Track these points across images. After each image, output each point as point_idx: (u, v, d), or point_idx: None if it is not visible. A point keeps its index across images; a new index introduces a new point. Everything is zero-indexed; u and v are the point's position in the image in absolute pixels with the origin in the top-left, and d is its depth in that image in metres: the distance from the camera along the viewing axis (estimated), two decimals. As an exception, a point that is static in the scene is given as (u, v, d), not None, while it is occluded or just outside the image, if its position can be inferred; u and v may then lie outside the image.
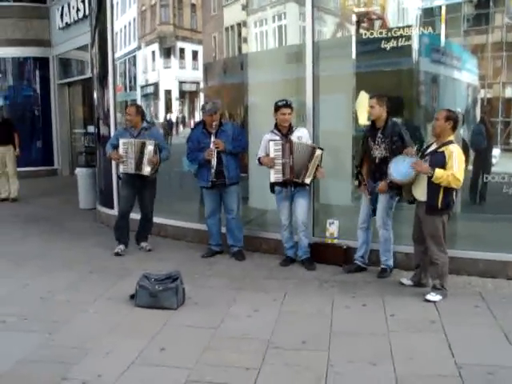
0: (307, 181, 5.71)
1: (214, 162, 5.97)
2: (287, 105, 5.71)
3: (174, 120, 8.40)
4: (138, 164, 6.27)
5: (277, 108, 5.72)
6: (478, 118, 6.08)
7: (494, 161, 5.90)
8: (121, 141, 6.35)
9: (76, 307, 4.77)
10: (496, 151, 5.91)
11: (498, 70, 5.94)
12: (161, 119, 8.52)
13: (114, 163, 7.53)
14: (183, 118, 8.42)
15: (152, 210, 6.67)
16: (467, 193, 5.78)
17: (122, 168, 6.41)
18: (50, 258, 6.46)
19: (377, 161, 5.30)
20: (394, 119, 5.36)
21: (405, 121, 5.92)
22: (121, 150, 6.31)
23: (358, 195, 6.13)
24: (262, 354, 3.79)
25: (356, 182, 5.74)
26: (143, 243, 6.74)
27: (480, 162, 5.97)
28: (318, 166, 5.68)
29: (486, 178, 5.74)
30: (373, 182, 5.39)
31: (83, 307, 4.77)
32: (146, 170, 6.28)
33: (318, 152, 5.66)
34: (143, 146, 6.26)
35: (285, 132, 5.76)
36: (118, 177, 7.06)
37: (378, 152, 5.29)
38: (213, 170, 5.99)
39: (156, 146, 6.29)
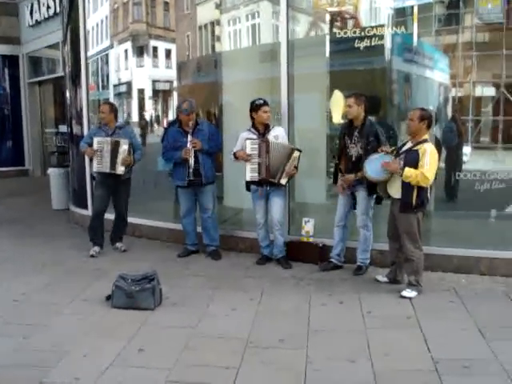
0: (283, 182, 5.72)
1: (191, 161, 5.95)
2: (267, 103, 5.74)
3: (147, 119, 8.34)
4: (112, 163, 6.21)
5: (257, 107, 5.71)
6: (450, 116, 6.17)
7: (465, 158, 6.01)
8: (95, 139, 6.26)
9: (51, 309, 4.70)
10: (467, 149, 6.02)
11: (468, 69, 6.04)
12: (134, 118, 8.45)
13: (87, 163, 7.45)
14: (157, 117, 8.36)
15: (127, 209, 6.61)
16: (440, 190, 5.88)
17: (95, 167, 6.32)
18: (23, 260, 6.36)
19: (353, 159, 5.35)
20: (372, 119, 5.40)
21: (378, 119, 5.97)
22: (95, 149, 6.23)
23: (332, 193, 6.18)
24: (241, 353, 3.79)
25: (332, 179, 5.76)
26: (118, 244, 6.68)
27: (451, 160, 6.07)
28: (294, 166, 5.70)
29: (458, 175, 5.84)
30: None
31: (59, 309, 4.70)
32: (120, 169, 6.22)
33: (296, 154, 5.67)
34: (117, 144, 6.20)
35: (262, 131, 5.77)
36: (92, 176, 6.95)
37: (355, 150, 5.34)
38: (190, 170, 5.98)
39: (130, 146, 6.24)
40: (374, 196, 5.32)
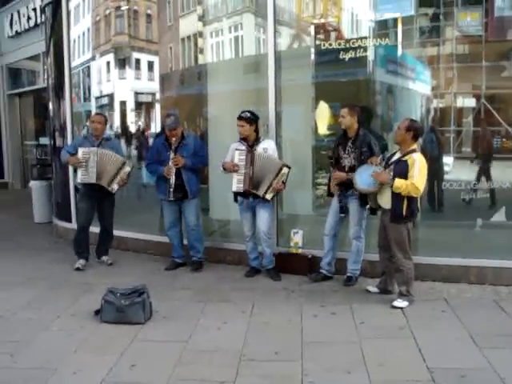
0: (268, 197, 5.68)
1: (172, 180, 5.91)
2: (240, 117, 5.67)
3: (131, 131, 8.28)
4: (110, 179, 6.12)
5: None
6: (430, 127, 6.24)
7: (447, 168, 6.08)
8: (80, 149, 6.12)
9: (38, 325, 4.59)
10: (449, 159, 6.08)
11: (449, 80, 6.13)
12: (116, 130, 8.39)
13: (71, 174, 7.34)
14: (140, 129, 8.31)
15: (112, 222, 6.53)
16: (424, 200, 5.92)
17: (80, 178, 6.18)
18: (6, 275, 6.21)
19: (346, 169, 5.35)
20: (365, 130, 5.42)
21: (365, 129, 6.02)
22: (80, 158, 6.10)
23: (319, 204, 6.20)
24: (236, 366, 3.75)
25: (325, 191, 5.75)
26: (104, 257, 6.59)
27: (433, 170, 6.12)
28: (282, 182, 5.68)
29: (444, 185, 5.89)
30: (344, 189, 5.41)
31: (46, 325, 4.60)
32: (113, 187, 6.18)
33: (285, 170, 5.63)
34: (123, 164, 6.16)
35: (250, 143, 5.75)
36: (76, 188, 6.78)
37: (348, 161, 5.34)
38: (171, 189, 5.94)
39: (132, 169, 6.23)
40: (367, 207, 5.32)
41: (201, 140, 6.49)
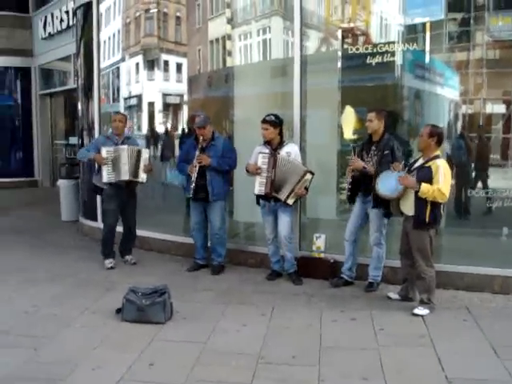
0: (290, 202, 5.68)
1: (193, 177, 5.94)
2: (264, 121, 5.69)
3: (158, 132, 8.37)
4: (135, 171, 6.22)
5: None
6: (459, 133, 6.17)
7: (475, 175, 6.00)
8: (104, 149, 6.19)
9: (62, 321, 4.68)
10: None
11: (479, 86, 6.04)
12: (144, 131, 8.49)
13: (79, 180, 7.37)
14: (165, 130, 8.39)
15: (135, 221, 6.60)
16: (451, 207, 5.85)
17: (106, 177, 6.19)
18: (33, 271, 6.35)
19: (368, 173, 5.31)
20: (390, 134, 5.38)
21: (390, 135, 5.98)
22: (107, 157, 6.16)
23: (343, 209, 6.16)
24: (253, 369, 3.76)
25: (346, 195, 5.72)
26: (128, 256, 6.66)
27: (462, 177, 6.05)
28: (305, 188, 5.68)
29: (470, 192, 5.82)
30: (363, 194, 5.41)
31: (69, 321, 4.69)
32: (142, 176, 6.28)
33: (308, 176, 5.64)
34: (139, 152, 6.25)
35: (274, 146, 5.76)
36: (95, 188, 6.62)
37: (370, 165, 5.31)
38: (192, 186, 5.96)
39: (150, 154, 6.29)
40: (384, 211, 5.28)
41: (231, 144, 6.41)
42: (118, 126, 6.38)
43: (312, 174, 5.66)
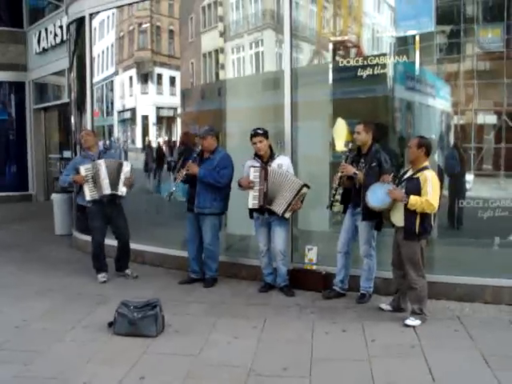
0: (287, 215, 5.71)
1: (176, 182, 5.99)
2: (257, 133, 5.71)
3: (152, 145, 8.39)
4: (114, 184, 6.20)
5: (251, 138, 5.75)
6: (452, 144, 6.20)
7: (467, 186, 6.02)
8: (82, 167, 6.17)
9: (52, 336, 4.66)
10: (469, 176, 6.03)
11: (470, 97, 6.09)
12: (138, 144, 8.52)
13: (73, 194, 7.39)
14: (155, 144, 8.42)
15: (128, 236, 6.57)
16: (444, 218, 5.87)
17: (89, 195, 6.17)
18: (25, 285, 6.32)
19: (357, 186, 5.34)
20: (378, 146, 5.40)
21: (381, 147, 6.00)
22: (84, 175, 6.15)
23: (335, 221, 6.17)
24: (244, 381, 3.76)
25: (339, 208, 5.73)
26: (127, 270, 6.62)
27: (454, 187, 6.08)
28: (300, 201, 5.71)
29: (462, 202, 5.84)
30: (353, 206, 5.44)
31: (60, 336, 4.67)
32: (122, 190, 6.24)
33: (305, 190, 5.68)
34: (120, 165, 6.26)
35: (265, 159, 5.79)
36: (80, 208, 6.69)
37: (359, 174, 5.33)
38: (171, 190, 6.03)
39: (131, 167, 6.30)
40: (373, 223, 5.30)
41: (229, 160, 6.13)
42: (86, 140, 6.41)
43: (308, 187, 5.68)
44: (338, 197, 5.59)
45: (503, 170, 6.02)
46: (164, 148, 8.20)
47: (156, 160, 8.15)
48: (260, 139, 5.70)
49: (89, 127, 8.03)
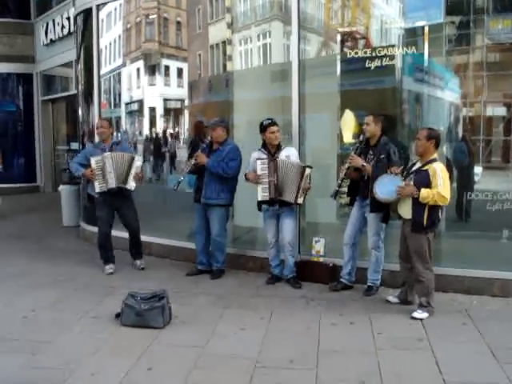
0: (300, 201, 5.70)
1: (184, 172, 6.01)
2: (274, 123, 5.73)
3: (160, 137, 8.39)
4: (124, 178, 6.20)
5: (264, 127, 5.71)
6: (460, 136, 6.16)
7: (476, 178, 5.98)
8: (92, 159, 6.18)
9: (60, 326, 4.69)
10: (478, 169, 5.99)
11: (479, 89, 6.04)
12: (145, 136, 8.52)
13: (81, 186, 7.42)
14: (171, 134, 8.42)
15: (138, 226, 6.58)
16: (452, 210, 5.84)
17: (98, 187, 6.20)
18: (33, 276, 6.36)
19: (365, 177, 5.32)
20: (387, 139, 5.37)
21: (389, 138, 5.97)
22: (94, 168, 6.16)
23: (343, 213, 6.16)
24: (250, 373, 3.76)
25: (345, 200, 5.71)
26: (137, 261, 6.65)
27: (463, 180, 6.04)
28: (308, 183, 5.70)
29: (470, 195, 5.80)
30: (361, 198, 5.42)
31: (68, 326, 4.69)
32: (132, 184, 6.25)
33: (308, 171, 5.66)
34: (132, 160, 6.24)
35: (273, 151, 5.77)
36: (89, 198, 6.75)
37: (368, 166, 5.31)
38: (179, 179, 6.03)
39: (143, 163, 6.29)
40: (382, 215, 5.28)
41: (237, 153, 6.09)
42: (102, 133, 6.42)
43: (310, 167, 5.67)
44: (345, 189, 5.57)
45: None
46: (170, 139, 8.20)
47: (161, 151, 8.16)
48: (278, 128, 5.72)
49: (96, 119, 8.03)
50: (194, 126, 7.75)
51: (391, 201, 4.91)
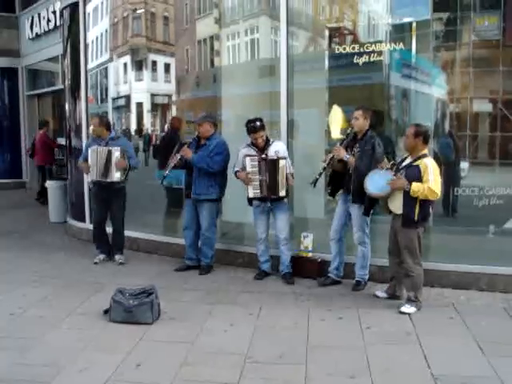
0: (282, 193, 5.71)
1: (169, 166, 6.00)
2: (256, 130, 5.66)
3: (149, 132, 8.35)
4: (105, 171, 6.31)
5: (252, 131, 5.69)
6: (447, 132, 6.20)
7: (462, 174, 6.02)
8: (89, 149, 6.46)
9: (48, 323, 4.65)
10: (464, 164, 6.03)
11: (465, 85, 6.07)
12: (132, 131, 8.47)
13: (85, 176, 7.47)
14: (148, 130, 8.39)
15: (121, 221, 6.61)
16: (439, 206, 5.87)
17: (89, 177, 6.60)
18: (20, 272, 6.30)
19: (350, 171, 5.33)
20: (373, 132, 5.39)
21: (377, 134, 5.99)
22: (89, 160, 6.43)
23: (331, 208, 6.17)
24: (240, 368, 3.76)
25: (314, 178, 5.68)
26: (117, 256, 6.66)
27: (449, 175, 6.07)
28: (288, 174, 5.69)
29: (457, 190, 5.85)
30: (346, 193, 5.44)
31: (56, 323, 4.66)
32: (116, 176, 6.32)
33: (282, 162, 5.66)
34: (109, 153, 6.30)
35: (261, 147, 5.77)
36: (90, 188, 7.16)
37: (352, 158, 5.31)
38: (164, 174, 6.08)
39: (122, 152, 6.33)
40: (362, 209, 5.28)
41: (223, 147, 6.10)
42: (93, 130, 6.65)
43: (284, 158, 5.67)
44: (326, 178, 5.57)
45: (498, 159, 6.01)
46: (157, 134, 8.17)
47: (149, 146, 8.13)
48: (261, 134, 5.69)
49: (83, 114, 7.99)
50: (171, 121, 7.76)
51: (383, 196, 4.93)
